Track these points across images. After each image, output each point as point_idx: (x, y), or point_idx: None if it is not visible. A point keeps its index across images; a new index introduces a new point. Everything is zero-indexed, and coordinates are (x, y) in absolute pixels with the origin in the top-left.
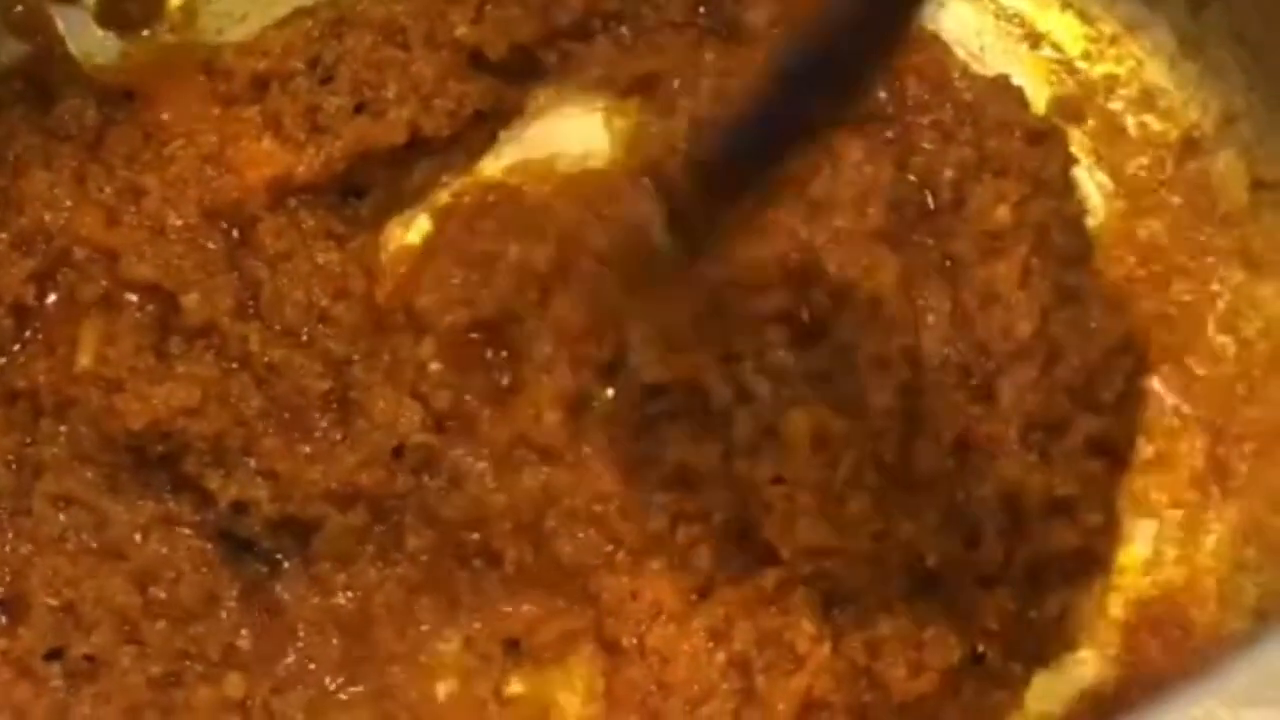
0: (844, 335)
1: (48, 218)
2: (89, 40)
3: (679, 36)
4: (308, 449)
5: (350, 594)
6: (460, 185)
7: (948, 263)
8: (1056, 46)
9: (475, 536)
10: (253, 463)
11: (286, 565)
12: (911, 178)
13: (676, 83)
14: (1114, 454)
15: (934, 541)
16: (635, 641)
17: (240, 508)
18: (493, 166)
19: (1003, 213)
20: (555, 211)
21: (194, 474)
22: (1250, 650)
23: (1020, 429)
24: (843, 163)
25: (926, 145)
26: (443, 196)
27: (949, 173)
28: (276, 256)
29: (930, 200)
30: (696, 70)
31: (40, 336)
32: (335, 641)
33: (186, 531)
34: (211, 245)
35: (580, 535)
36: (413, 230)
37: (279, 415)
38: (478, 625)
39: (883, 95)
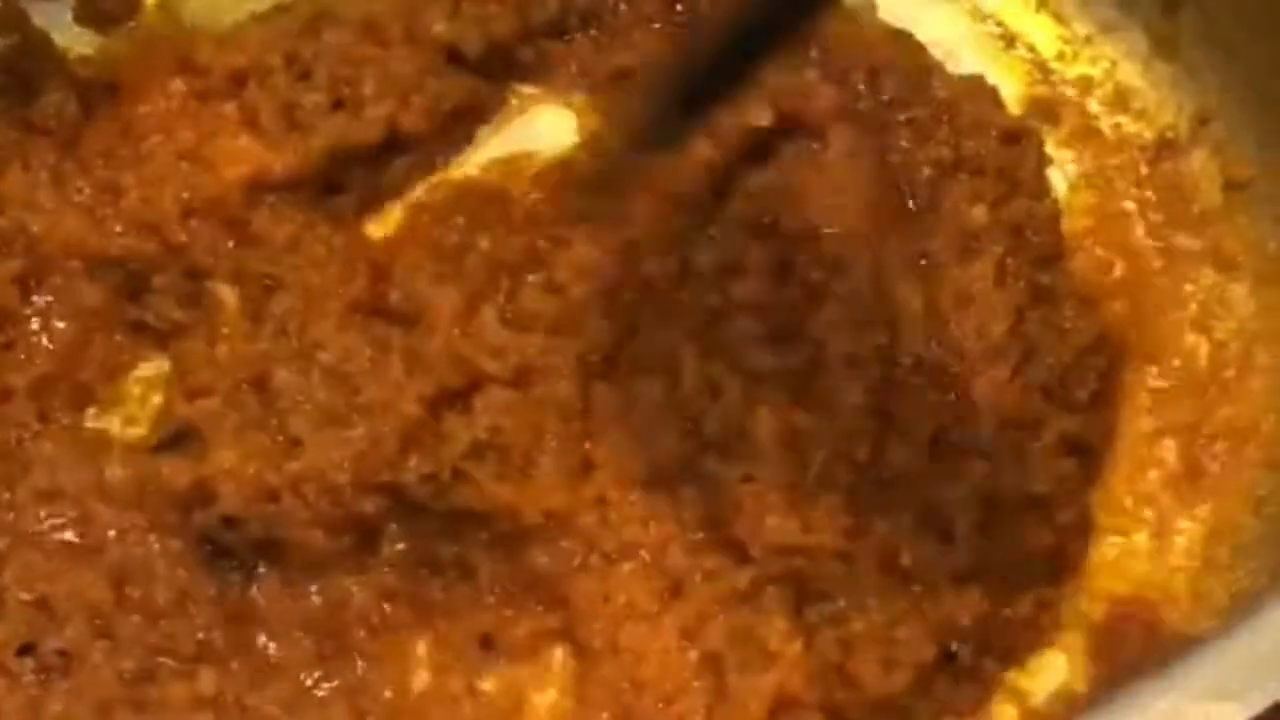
0: (817, 333)
1: (27, 219)
2: (67, 34)
3: (654, 34)
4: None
5: (323, 599)
6: (437, 182)
7: (923, 261)
8: (1031, 47)
9: (453, 549)
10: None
11: (262, 571)
12: (888, 176)
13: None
14: (1087, 453)
15: (908, 539)
16: (607, 641)
17: (230, 523)
18: (470, 164)
19: (979, 212)
20: (526, 203)
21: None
22: (1216, 645)
23: (994, 428)
24: (828, 154)
25: (903, 143)
26: (419, 193)
27: (925, 171)
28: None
29: (906, 199)
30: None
31: (31, 334)
32: (308, 640)
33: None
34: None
35: (556, 544)
36: (386, 225)
37: None
38: (451, 624)
39: (860, 88)
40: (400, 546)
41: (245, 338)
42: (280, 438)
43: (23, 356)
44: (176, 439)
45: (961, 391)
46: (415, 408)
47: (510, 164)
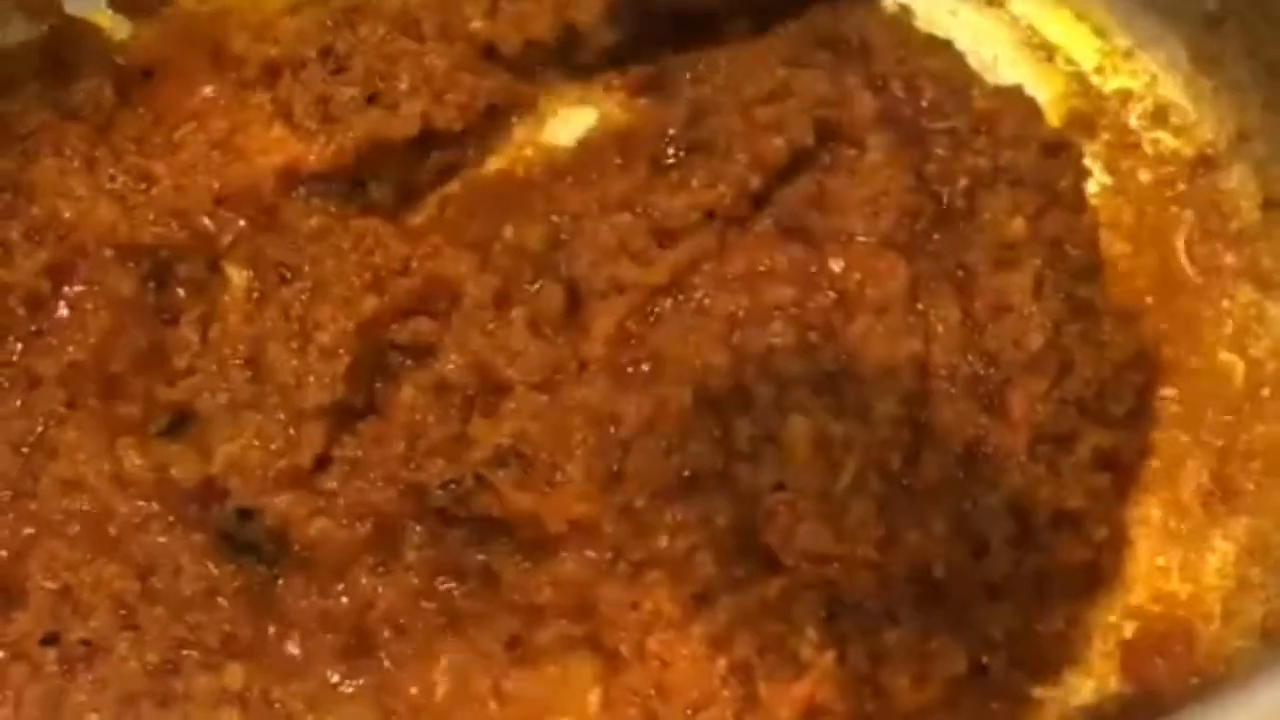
0: (850, 341)
1: (60, 206)
2: (100, 20)
3: None
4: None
5: (349, 599)
6: (468, 175)
7: (959, 272)
8: (1070, 59)
9: (477, 557)
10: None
11: (286, 566)
12: (925, 185)
13: (687, 75)
14: (1122, 469)
15: (940, 551)
16: (633, 647)
17: (246, 515)
18: (503, 160)
19: (1018, 224)
20: (548, 190)
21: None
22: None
23: (1029, 441)
24: (862, 162)
25: (940, 152)
26: (452, 186)
27: (963, 181)
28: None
29: (943, 208)
30: (709, 65)
31: (62, 322)
32: (333, 638)
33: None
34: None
35: (582, 553)
36: (416, 217)
37: None
38: (477, 627)
39: (900, 95)
40: (424, 552)
41: (245, 319)
42: (280, 416)
43: (54, 343)
44: (179, 423)
45: (997, 403)
46: (423, 398)
47: (539, 158)
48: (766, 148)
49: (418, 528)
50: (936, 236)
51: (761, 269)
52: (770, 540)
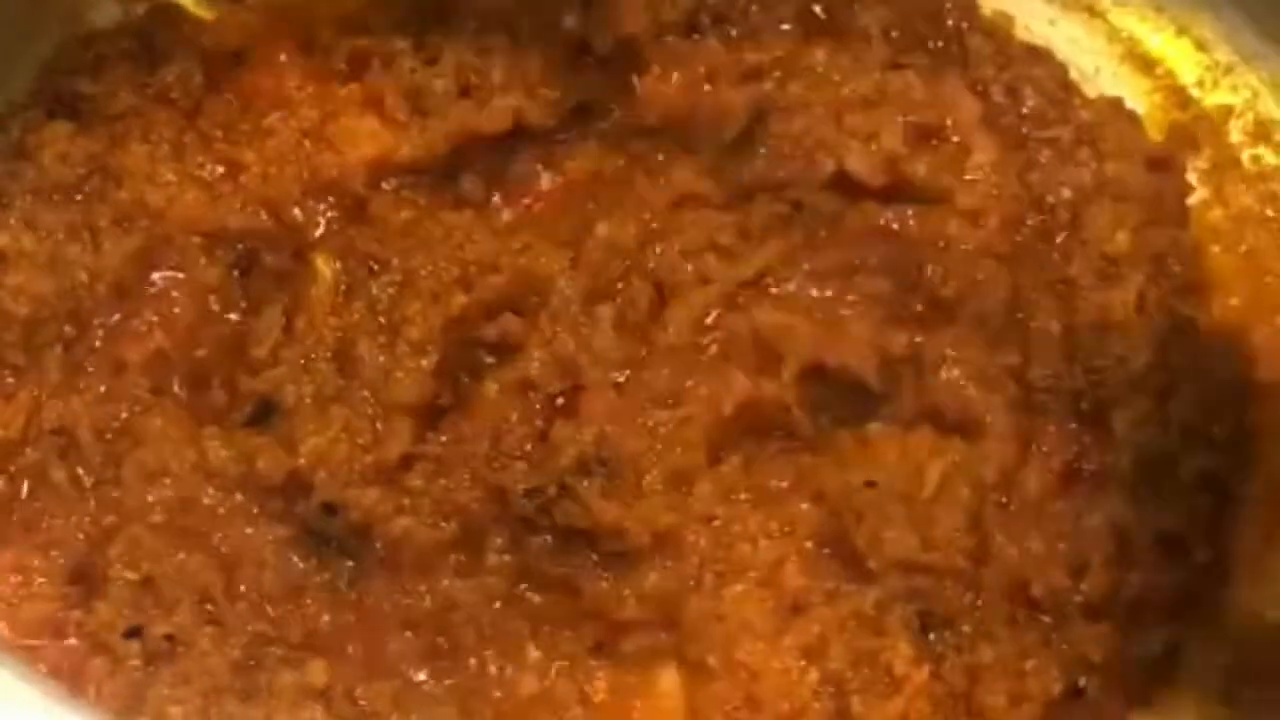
0: (946, 347)
1: (147, 192)
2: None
3: (787, 35)
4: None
5: (432, 599)
6: (561, 172)
7: (1061, 285)
8: (1170, 73)
9: (559, 570)
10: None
11: (369, 563)
12: (1028, 194)
13: (777, 74)
14: (1224, 491)
15: (1038, 570)
16: (722, 659)
17: (330, 510)
18: (594, 156)
19: (1121, 238)
20: (639, 187)
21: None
22: None
23: (1132, 460)
24: (967, 164)
25: (1044, 161)
26: (544, 181)
27: (1066, 192)
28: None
29: (1047, 219)
30: (804, 66)
31: (149, 310)
32: (418, 638)
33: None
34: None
35: (666, 565)
36: (507, 212)
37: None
38: (560, 631)
39: (1001, 101)
40: (504, 557)
41: (332, 312)
42: (368, 411)
43: (140, 330)
44: (262, 414)
45: (1100, 420)
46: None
47: (630, 155)
48: (854, 156)
49: (500, 533)
50: (1039, 247)
51: (854, 268)
52: (859, 541)
